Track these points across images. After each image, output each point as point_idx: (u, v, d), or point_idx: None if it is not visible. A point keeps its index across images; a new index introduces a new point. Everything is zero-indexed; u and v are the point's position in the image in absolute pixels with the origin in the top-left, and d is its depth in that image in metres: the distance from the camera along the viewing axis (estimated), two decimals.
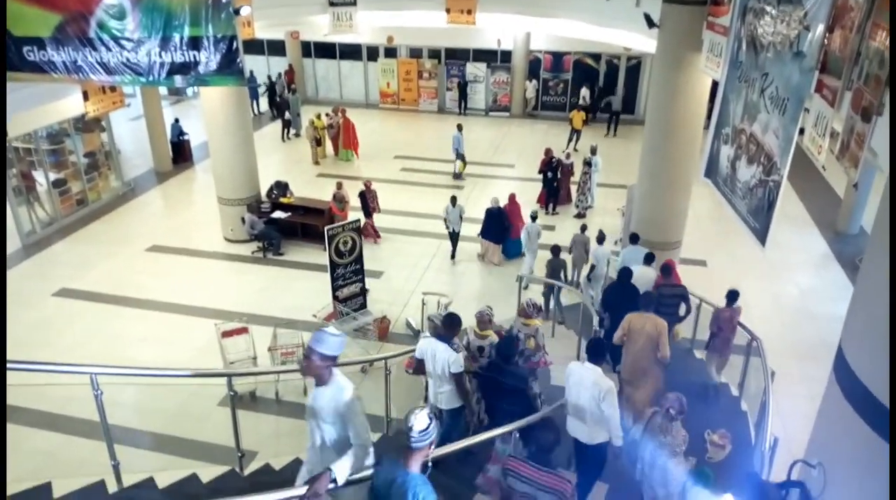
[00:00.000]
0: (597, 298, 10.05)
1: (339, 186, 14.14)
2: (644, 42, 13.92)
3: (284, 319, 10.11)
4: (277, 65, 25.50)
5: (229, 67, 8.63)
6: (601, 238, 11.08)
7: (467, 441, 5.07)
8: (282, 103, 21.45)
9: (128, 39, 8.34)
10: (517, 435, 5.40)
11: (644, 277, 8.81)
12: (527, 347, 6.99)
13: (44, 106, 12.59)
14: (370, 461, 3.80)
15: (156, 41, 8.40)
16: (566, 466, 5.83)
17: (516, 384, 5.82)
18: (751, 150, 7.04)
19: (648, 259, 9.35)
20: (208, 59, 8.55)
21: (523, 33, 22.57)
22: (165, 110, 19.34)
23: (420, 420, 3.33)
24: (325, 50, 25.18)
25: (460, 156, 17.68)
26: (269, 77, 23.90)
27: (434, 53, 24.38)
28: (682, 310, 8.41)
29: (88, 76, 8.59)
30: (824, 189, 16.77)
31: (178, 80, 8.80)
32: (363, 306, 11.03)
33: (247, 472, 5.52)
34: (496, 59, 23.75)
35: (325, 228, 10.43)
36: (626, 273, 8.34)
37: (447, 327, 5.83)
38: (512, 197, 13.58)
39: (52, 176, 14.52)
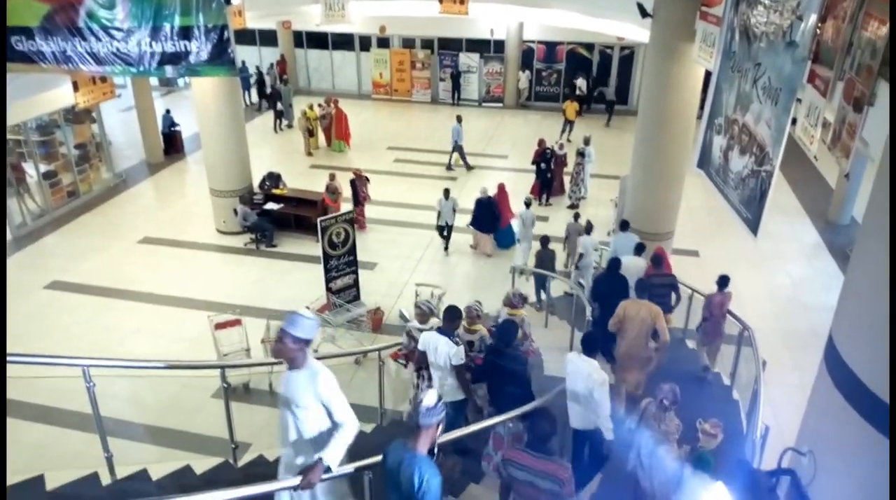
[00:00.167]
0: (587, 286, 10.08)
1: (332, 177, 14.09)
2: (637, 32, 13.88)
3: (278, 310, 10.10)
4: (269, 55, 25.34)
5: (220, 57, 8.58)
6: (589, 229, 11.14)
7: (475, 427, 5.16)
8: (274, 94, 21.33)
9: (118, 29, 8.28)
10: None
11: (634, 266, 8.84)
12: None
13: (33, 97, 12.50)
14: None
15: (146, 31, 8.33)
16: (560, 455, 5.88)
17: (516, 368, 5.90)
18: (743, 140, 7.05)
19: (639, 249, 9.38)
20: (199, 48, 8.50)
21: (516, 23, 22.49)
22: (156, 101, 19.19)
23: (429, 398, 3.43)
24: (317, 40, 25.03)
25: (458, 148, 17.64)
26: (258, 68, 23.73)
27: (427, 43, 24.27)
28: (673, 299, 8.46)
29: (78, 66, 8.53)
30: (816, 179, 16.83)
31: (169, 70, 8.75)
32: (357, 297, 11.03)
33: (240, 463, 5.53)
34: (489, 49, 23.68)
35: (318, 220, 10.41)
36: (615, 263, 8.40)
37: (448, 320, 5.86)
38: (501, 186, 13.59)
39: (43, 168, 14.41)
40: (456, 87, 23.82)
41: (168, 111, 18.98)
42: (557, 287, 11.22)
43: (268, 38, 25.21)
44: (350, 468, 3.85)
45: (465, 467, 5.41)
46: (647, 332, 7.08)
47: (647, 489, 5.40)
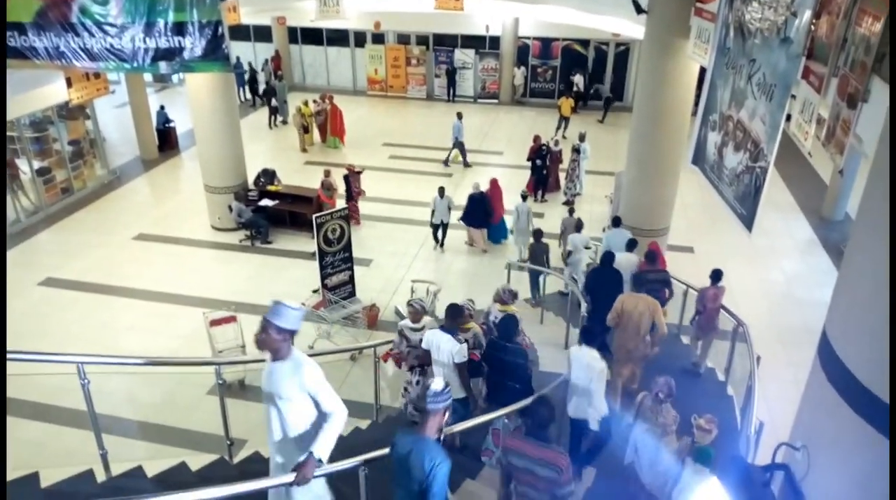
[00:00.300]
0: (579, 282, 10.10)
1: (327, 173, 14.07)
2: (632, 28, 13.92)
3: None
4: (264, 51, 25.26)
5: (215, 53, 8.54)
6: (579, 226, 11.17)
7: (476, 420, 5.18)
8: (268, 90, 21.27)
9: (111, 25, 8.24)
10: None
11: (626, 262, 8.88)
12: None
13: (26, 93, 12.43)
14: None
15: (140, 27, 8.29)
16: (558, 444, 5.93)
17: (518, 362, 5.94)
18: (738, 136, 7.06)
19: (630, 245, 9.42)
20: (193, 44, 8.46)
21: (511, 19, 22.47)
22: (151, 97, 19.13)
23: (436, 383, 3.55)
24: (311, 36, 24.96)
25: (460, 145, 17.62)
26: (250, 64, 23.59)
27: (422, 39, 24.23)
28: (665, 295, 8.50)
29: (71, 62, 8.49)
30: (810, 175, 16.88)
31: (163, 66, 8.71)
32: (352, 293, 11.02)
33: (236, 460, 5.52)
34: (485, 45, 23.64)
35: (314, 216, 10.38)
36: (608, 257, 8.44)
37: (450, 318, 5.87)
38: (493, 181, 13.61)
39: (37, 164, 14.35)
40: (451, 83, 23.79)
41: (162, 107, 18.89)
42: (553, 284, 11.23)
43: (262, 33, 25.12)
44: (348, 463, 3.85)
45: (461, 462, 5.41)
46: (646, 325, 7.13)
47: (644, 484, 5.43)
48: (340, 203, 13.39)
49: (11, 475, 4.59)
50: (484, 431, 5.86)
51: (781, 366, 9.23)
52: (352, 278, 11.00)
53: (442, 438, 3.63)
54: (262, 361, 3.90)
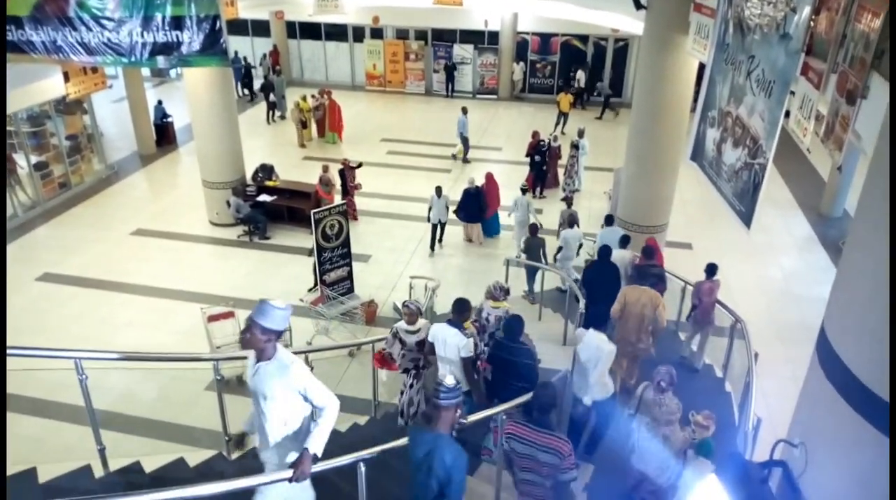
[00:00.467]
0: (569, 278, 10.09)
1: (326, 168, 14.02)
2: (631, 24, 13.88)
3: None
4: (262, 45, 25.19)
5: (213, 48, 8.53)
6: (572, 222, 11.18)
7: (482, 413, 5.14)
8: (266, 85, 21.21)
9: (108, 19, 8.21)
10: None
11: (620, 259, 8.89)
12: (499, 329, 6.93)
13: (23, 87, 12.39)
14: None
15: (137, 21, 8.27)
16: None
17: (524, 361, 5.85)
18: (737, 132, 7.06)
19: (624, 241, 9.44)
20: (191, 39, 8.45)
21: (510, 14, 22.42)
22: (148, 92, 19.06)
23: (448, 379, 3.61)
24: (310, 30, 24.90)
25: (464, 139, 17.61)
26: (244, 59, 23.45)
27: (421, 34, 24.17)
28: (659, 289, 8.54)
29: (69, 57, 8.47)
30: (809, 172, 16.89)
31: (161, 60, 8.69)
32: (351, 289, 11.01)
33: (234, 456, 5.52)
34: (483, 40, 23.59)
35: (312, 212, 10.37)
36: (605, 251, 8.44)
37: (457, 313, 5.84)
38: (489, 176, 13.62)
39: (34, 159, 14.30)
40: (450, 78, 23.74)
41: (160, 102, 18.85)
42: (551, 280, 11.22)
43: (260, 28, 25.05)
44: (346, 459, 3.85)
45: None
46: (649, 318, 7.14)
47: (643, 478, 5.45)
48: (339, 199, 13.38)
49: (10, 470, 4.59)
50: (484, 429, 5.85)
51: (779, 363, 9.24)
52: (350, 274, 10.99)
53: (454, 432, 3.67)
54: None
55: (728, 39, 7.45)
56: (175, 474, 5.03)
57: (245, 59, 23.52)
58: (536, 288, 10.81)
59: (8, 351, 4.21)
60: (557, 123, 20.05)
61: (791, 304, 11.39)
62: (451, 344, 5.68)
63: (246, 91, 23.22)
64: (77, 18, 8.14)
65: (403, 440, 4.22)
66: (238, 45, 23.95)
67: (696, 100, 8.84)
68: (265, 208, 13.75)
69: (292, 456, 3.65)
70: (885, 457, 2.93)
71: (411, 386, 6.44)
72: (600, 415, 6.23)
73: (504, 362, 5.91)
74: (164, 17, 8.25)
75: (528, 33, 23.31)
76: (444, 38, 23.96)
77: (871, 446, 3.06)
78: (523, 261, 11.04)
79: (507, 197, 13.43)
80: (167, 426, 8.11)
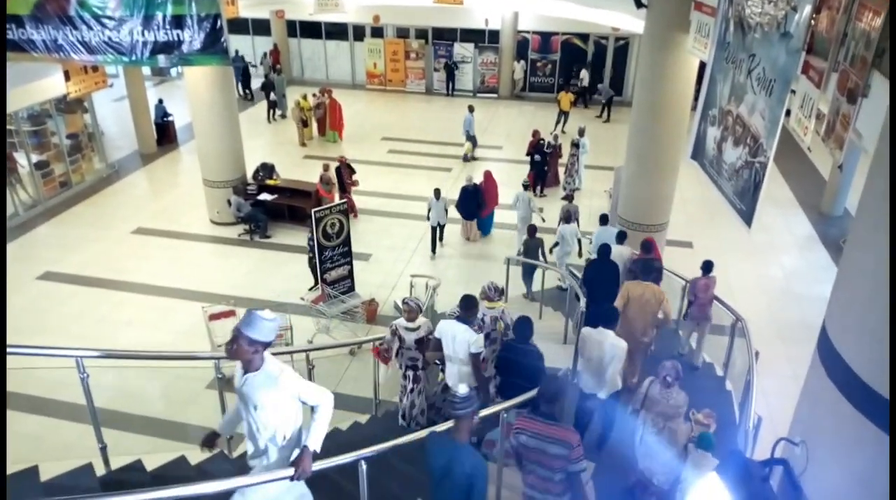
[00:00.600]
0: (569, 276, 10.08)
1: (326, 167, 14.03)
2: (632, 22, 13.87)
3: (272, 301, 10.08)
4: (262, 44, 25.18)
5: (213, 46, 8.53)
6: (569, 217, 11.17)
7: (489, 409, 5.11)
8: (267, 84, 21.21)
9: (109, 18, 8.21)
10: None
11: (618, 255, 8.90)
12: (495, 330, 6.88)
13: (24, 86, 12.39)
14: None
15: (138, 20, 8.27)
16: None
17: (533, 363, 5.78)
18: (737, 131, 7.05)
19: (621, 237, 9.46)
20: (192, 38, 8.45)
21: (511, 13, 22.40)
22: (149, 91, 19.05)
23: (461, 389, 3.61)
24: (310, 29, 24.88)
25: (471, 138, 17.61)
26: (243, 58, 23.35)
27: (421, 33, 24.16)
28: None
29: (70, 55, 8.46)
30: (809, 171, 16.88)
31: (162, 59, 8.69)
32: (351, 288, 11.02)
33: (235, 454, 5.52)
34: (484, 39, 23.58)
35: (313, 211, 10.37)
36: (605, 249, 8.44)
37: (465, 309, 5.79)
38: (487, 173, 13.64)
39: (35, 158, 14.31)
40: (451, 77, 23.73)
41: (161, 101, 18.84)
42: (551, 278, 11.22)
43: (261, 27, 25.04)
44: (346, 458, 3.86)
45: None
46: (653, 313, 7.13)
47: (646, 475, 5.45)
48: (338, 197, 13.38)
49: (11, 468, 4.59)
50: (492, 423, 5.81)
51: (780, 361, 9.24)
52: (351, 272, 11.00)
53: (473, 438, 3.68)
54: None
55: (729, 38, 7.44)
56: (176, 472, 5.03)
57: (243, 58, 23.50)
58: (536, 287, 10.81)
59: (9, 350, 4.22)
60: (558, 122, 20.04)
61: (792, 303, 11.39)
62: (461, 340, 5.64)
63: (246, 91, 23.20)
64: (78, 17, 8.13)
65: (405, 439, 4.23)
66: (239, 43, 23.93)
67: (696, 98, 8.83)
68: (266, 207, 13.75)
69: (281, 463, 3.64)
70: (885, 455, 2.93)
71: (411, 391, 6.41)
72: (608, 411, 6.21)
73: (514, 365, 5.87)
74: (164, 16, 8.24)
75: (528, 32, 23.30)
76: (444, 36, 23.94)
77: (872, 444, 3.06)
78: (525, 260, 11.04)
79: (508, 196, 13.43)
80: (168, 424, 8.11)
